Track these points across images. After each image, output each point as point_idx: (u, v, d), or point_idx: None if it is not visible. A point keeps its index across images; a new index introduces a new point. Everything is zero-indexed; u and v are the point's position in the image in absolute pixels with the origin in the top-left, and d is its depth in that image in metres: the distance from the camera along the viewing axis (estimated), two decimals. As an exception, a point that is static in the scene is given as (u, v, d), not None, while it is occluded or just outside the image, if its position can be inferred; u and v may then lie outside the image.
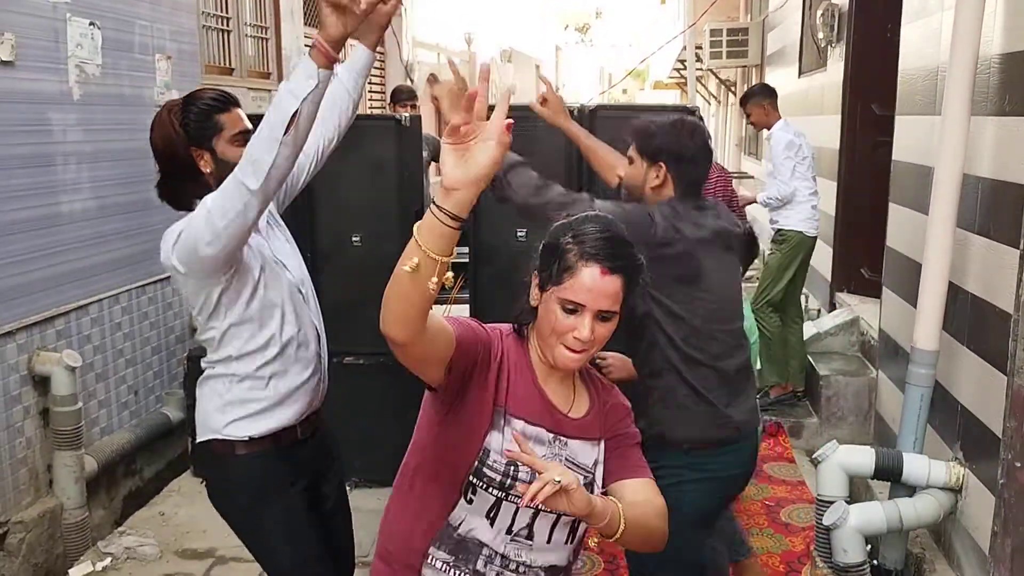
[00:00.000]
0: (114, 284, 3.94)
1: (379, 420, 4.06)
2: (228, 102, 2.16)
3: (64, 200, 3.59)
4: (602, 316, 1.56)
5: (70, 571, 3.44)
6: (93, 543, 3.63)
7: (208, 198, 1.98)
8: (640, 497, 1.62)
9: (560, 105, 2.88)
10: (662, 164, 2.35)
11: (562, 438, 1.64)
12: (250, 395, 2.17)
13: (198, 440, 2.24)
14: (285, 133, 1.85)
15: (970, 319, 3.04)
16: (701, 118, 3.78)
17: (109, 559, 3.53)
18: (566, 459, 1.64)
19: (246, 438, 2.16)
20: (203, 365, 2.24)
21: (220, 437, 2.17)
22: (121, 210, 3.98)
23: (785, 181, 4.85)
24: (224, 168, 2.04)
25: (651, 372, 2.32)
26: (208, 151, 2.12)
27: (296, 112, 1.85)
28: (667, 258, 2.20)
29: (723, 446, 2.30)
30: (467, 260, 4.15)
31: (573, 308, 1.55)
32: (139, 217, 4.11)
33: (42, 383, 3.42)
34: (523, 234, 3.83)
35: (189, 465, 4.26)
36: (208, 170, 2.12)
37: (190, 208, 2.09)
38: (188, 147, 2.11)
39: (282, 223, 2.35)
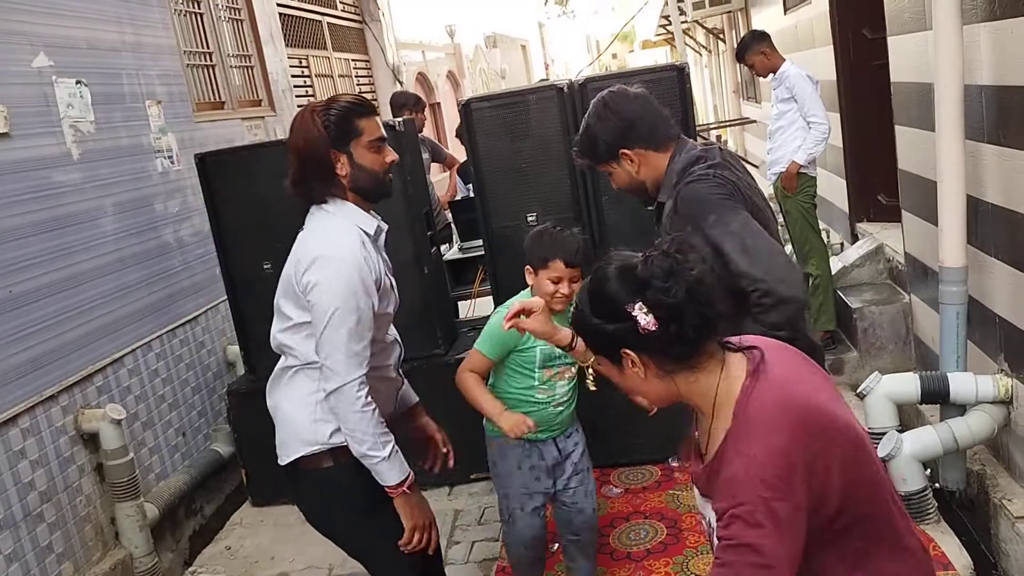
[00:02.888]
0: (144, 332, 3.99)
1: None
2: (368, 108, 2.21)
3: (82, 259, 3.64)
4: None
5: (149, 617, 3.51)
6: (167, 587, 3.71)
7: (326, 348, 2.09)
8: None
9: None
10: (623, 151, 2.27)
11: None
12: None
13: (291, 458, 2.22)
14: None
15: (994, 229, 3.01)
16: (688, 73, 3.75)
17: (185, 600, 3.60)
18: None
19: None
20: (286, 361, 2.23)
21: (320, 448, 2.18)
22: (139, 259, 4.03)
23: (821, 118, 4.68)
24: (359, 172, 2.16)
25: None
26: (346, 154, 2.16)
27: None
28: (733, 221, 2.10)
29: None
30: (482, 252, 4.16)
31: None
32: (157, 263, 4.17)
33: (91, 440, 3.48)
34: (533, 218, 3.83)
35: (247, 496, 4.32)
36: (344, 172, 2.16)
37: (323, 202, 2.18)
38: (329, 148, 2.14)
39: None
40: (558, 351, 2.64)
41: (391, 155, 2.23)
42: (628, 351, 1.46)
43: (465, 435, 4.16)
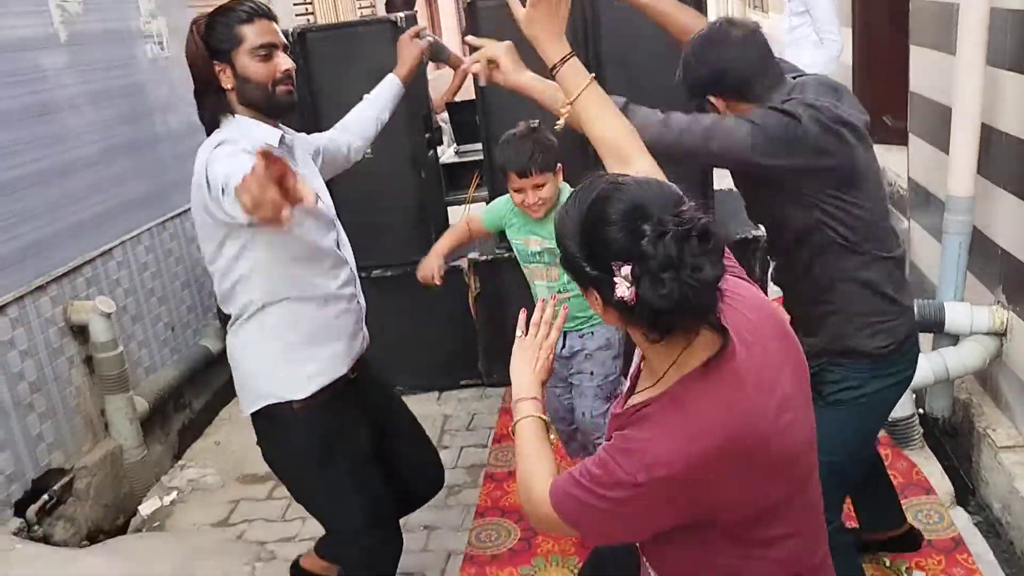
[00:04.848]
0: (133, 225, 3.92)
1: (416, 327, 4.10)
2: (255, 13, 2.04)
3: (69, 147, 3.53)
4: None
5: (139, 508, 3.56)
6: (157, 479, 3.75)
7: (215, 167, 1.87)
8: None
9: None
10: (709, 99, 2.04)
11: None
12: (292, 347, 2.14)
13: (250, 411, 2.22)
14: None
15: (1006, 160, 2.96)
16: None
17: (175, 492, 3.65)
18: None
19: (304, 396, 2.15)
20: (233, 316, 2.20)
21: (276, 401, 2.15)
22: (128, 149, 3.92)
23: (836, 35, 4.44)
24: (243, 83, 2.00)
25: (824, 287, 2.03)
26: (228, 64, 2.00)
27: None
28: (832, 155, 1.92)
29: (909, 340, 2.08)
30: (480, 156, 4.07)
31: None
32: (147, 153, 4.06)
33: (81, 332, 3.45)
34: (537, 123, 3.72)
35: (236, 394, 4.33)
36: (229, 86, 2.01)
37: (215, 125, 2.04)
38: (209, 61, 2.00)
39: (313, 166, 2.30)
40: (531, 248, 2.76)
41: (284, 64, 2.03)
42: (596, 294, 1.31)
43: (455, 342, 4.19)
